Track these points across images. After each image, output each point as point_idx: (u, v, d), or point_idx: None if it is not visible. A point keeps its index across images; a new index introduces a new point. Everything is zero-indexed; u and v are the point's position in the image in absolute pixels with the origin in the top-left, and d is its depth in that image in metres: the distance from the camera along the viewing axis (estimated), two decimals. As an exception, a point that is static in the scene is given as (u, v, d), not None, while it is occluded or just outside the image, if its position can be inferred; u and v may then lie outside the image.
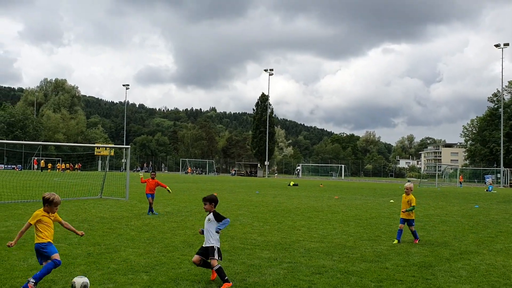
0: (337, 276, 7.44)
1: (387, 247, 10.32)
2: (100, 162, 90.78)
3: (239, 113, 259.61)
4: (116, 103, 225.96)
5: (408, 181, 17.51)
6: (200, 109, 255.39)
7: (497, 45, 66.76)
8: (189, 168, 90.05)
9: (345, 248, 10.07)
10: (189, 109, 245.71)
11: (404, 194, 11.48)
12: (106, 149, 74.46)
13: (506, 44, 65.84)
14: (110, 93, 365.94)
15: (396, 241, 10.92)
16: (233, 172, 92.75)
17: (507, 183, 65.67)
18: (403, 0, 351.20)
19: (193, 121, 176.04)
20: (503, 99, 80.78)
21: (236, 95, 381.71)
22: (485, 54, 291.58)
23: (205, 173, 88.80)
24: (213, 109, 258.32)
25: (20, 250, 8.72)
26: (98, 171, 70.74)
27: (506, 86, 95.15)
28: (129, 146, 24.57)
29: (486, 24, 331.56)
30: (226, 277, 6.74)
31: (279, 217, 15.60)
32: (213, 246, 7.00)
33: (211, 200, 7.25)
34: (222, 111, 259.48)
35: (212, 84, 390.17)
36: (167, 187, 16.25)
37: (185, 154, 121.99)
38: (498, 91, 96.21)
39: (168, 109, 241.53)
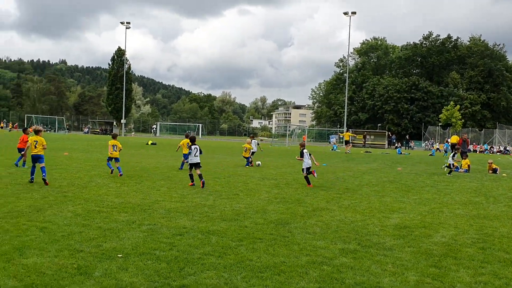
0: (198, 237, 7.37)
1: (245, 205, 10.52)
2: None
3: (92, 67, 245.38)
4: None
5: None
6: (48, 60, 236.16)
7: (345, 13, 71.17)
8: (9, 124, 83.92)
9: (204, 207, 10.06)
10: (35, 60, 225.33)
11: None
12: None
13: (354, 13, 70.48)
14: None
15: None
16: (86, 130, 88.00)
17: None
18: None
19: (40, 73, 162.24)
20: (348, 65, 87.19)
21: (88, 47, 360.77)
22: (332, 21, 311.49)
23: (54, 131, 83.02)
24: (63, 62, 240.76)
25: None
26: None
27: (351, 52, 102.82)
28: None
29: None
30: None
31: (137, 177, 15.10)
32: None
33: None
34: (73, 64, 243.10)
35: (61, 34, 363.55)
36: None
37: (31, 110, 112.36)
38: (344, 57, 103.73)
39: (10, 59, 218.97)
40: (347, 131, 45.93)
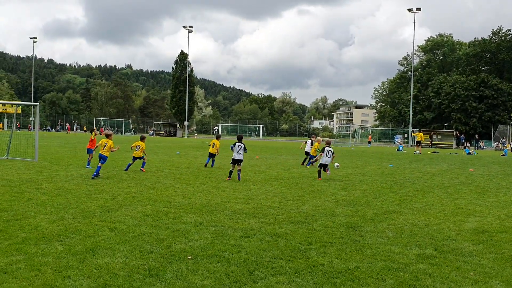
0: (266, 239, 7.22)
1: (312, 207, 10.29)
2: (6, 120, 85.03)
3: (156, 71, 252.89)
4: (23, 57, 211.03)
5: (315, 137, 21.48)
6: (115, 65, 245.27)
7: (410, 9, 69.11)
8: (68, 126, 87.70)
9: (270, 208, 9.91)
10: (102, 66, 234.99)
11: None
12: (12, 106, 69.51)
13: (418, 9, 68.36)
14: (15, 47, 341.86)
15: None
16: (151, 132, 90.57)
17: (414, 143, 69.50)
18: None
19: (107, 78, 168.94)
20: (413, 63, 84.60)
21: (152, 52, 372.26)
22: (394, 18, 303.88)
23: (121, 133, 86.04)
24: (129, 66, 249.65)
25: None
26: (4, 130, 66.16)
27: (415, 50, 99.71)
28: (38, 104, 22.76)
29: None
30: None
31: (202, 178, 15.21)
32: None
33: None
34: (138, 69, 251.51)
35: (126, 40, 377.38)
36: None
37: (100, 113, 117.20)
38: (408, 54, 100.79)
39: (79, 65, 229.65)
40: (419, 131, 44.12)
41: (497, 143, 63.92)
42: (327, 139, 18.49)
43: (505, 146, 52.96)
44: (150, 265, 5.78)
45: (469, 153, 42.13)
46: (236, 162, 14.89)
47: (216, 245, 6.78)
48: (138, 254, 6.25)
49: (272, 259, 6.19)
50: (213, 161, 19.24)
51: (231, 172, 14.92)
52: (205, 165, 19.13)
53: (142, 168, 16.60)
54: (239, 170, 14.94)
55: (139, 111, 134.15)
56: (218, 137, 19.82)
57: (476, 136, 69.71)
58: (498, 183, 16.61)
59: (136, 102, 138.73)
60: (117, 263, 5.84)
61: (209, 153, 19.22)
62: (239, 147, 14.87)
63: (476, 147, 61.68)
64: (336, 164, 20.72)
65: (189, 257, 6.17)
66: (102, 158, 14.66)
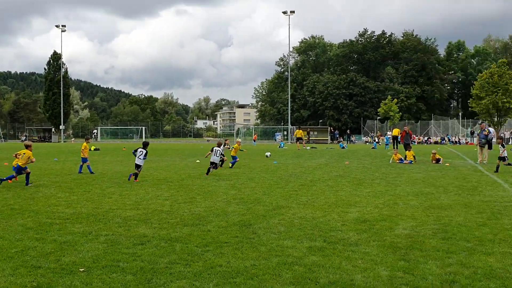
0: (161, 245, 7.10)
1: (204, 208, 10.31)
2: None
3: (26, 73, 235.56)
4: None
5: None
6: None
7: (284, 12, 71.98)
8: None
9: (162, 213, 9.75)
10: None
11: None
12: None
13: (292, 12, 71.46)
14: None
15: None
16: (24, 138, 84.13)
17: (294, 140, 72.55)
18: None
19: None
20: (289, 63, 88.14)
21: (21, 52, 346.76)
22: (270, 20, 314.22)
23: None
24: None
25: None
26: None
27: (291, 51, 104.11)
28: None
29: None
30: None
31: (85, 185, 14.50)
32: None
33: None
34: (6, 71, 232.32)
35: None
36: None
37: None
38: (284, 55, 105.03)
39: None
40: (299, 128, 46.09)
41: (366, 137, 69.03)
42: (219, 140, 20.41)
43: (374, 140, 57.31)
44: (39, 282, 5.41)
45: (343, 147, 45.02)
46: (136, 166, 15.73)
47: (109, 255, 6.53)
48: (24, 270, 5.81)
49: (169, 265, 6.11)
50: (88, 166, 18.28)
51: (132, 174, 15.72)
52: (79, 171, 18.28)
53: (14, 177, 14.84)
54: (136, 175, 15.55)
55: (9, 116, 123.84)
56: (86, 139, 19.61)
57: (348, 131, 74.66)
58: (372, 174, 17.96)
59: (5, 106, 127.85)
60: (1, 282, 5.38)
61: (81, 158, 18.60)
62: (141, 152, 15.70)
63: (348, 141, 66.05)
64: (268, 153, 24.30)
65: (81, 269, 5.87)
66: (18, 169, 14.30)
